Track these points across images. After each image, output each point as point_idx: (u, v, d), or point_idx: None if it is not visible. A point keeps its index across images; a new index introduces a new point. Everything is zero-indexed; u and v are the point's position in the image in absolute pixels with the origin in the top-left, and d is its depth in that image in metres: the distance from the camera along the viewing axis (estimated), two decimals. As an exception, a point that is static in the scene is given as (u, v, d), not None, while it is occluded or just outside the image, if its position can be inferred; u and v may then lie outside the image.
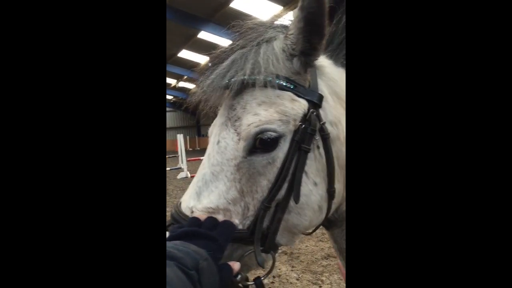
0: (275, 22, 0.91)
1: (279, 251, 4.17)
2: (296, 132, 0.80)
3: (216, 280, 0.68)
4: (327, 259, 4.32)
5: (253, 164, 0.79)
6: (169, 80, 28.27)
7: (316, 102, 0.83)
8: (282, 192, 0.79)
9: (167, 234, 0.76)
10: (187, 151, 13.41)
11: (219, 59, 0.87)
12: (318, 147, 0.83)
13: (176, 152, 15.24)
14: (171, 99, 31.96)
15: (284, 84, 0.82)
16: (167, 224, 0.81)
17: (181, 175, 11.67)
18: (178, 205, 0.83)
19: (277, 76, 0.81)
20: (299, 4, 0.78)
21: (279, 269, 4.16)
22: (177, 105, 33.08)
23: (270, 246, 0.80)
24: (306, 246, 4.77)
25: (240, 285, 0.79)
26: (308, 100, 0.83)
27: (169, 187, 9.56)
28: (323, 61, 0.91)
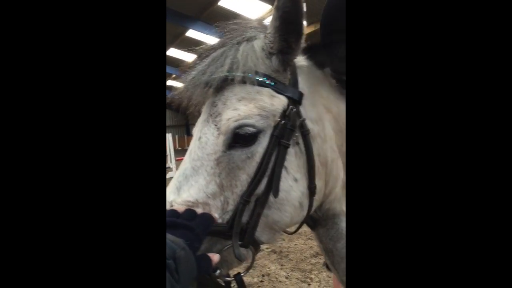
0: (257, 22, 0.92)
1: (268, 249, 4.20)
2: (275, 127, 0.81)
3: (194, 269, 0.68)
4: (316, 257, 4.35)
5: (233, 158, 0.80)
6: (157, 79, 27.79)
7: (295, 99, 0.84)
8: (262, 186, 0.80)
9: None
10: (176, 150, 13.33)
11: (201, 57, 0.89)
12: (298, 143, 0.84)
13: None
14: (159, 98, 31.45)
15: (264, 80, 0.83)
16: None
17: (170, 174, 11.61)
18: None
19: (256, 73, 0.83)
20: (275, 3, 0.80)
21: (268, 268, 4.17)
22: (165, 104, 32.74)
23: (249, 241, 0.81)
24: (295, 244, 4.79)
25: (219, 280, 0.80)
26: (288, 97, 0.84)
27: (158, 187, 9.42)
28: (303, 61, 0.93)
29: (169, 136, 12.41)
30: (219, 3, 14.49)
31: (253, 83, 0.83)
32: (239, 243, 0.80)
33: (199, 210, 0.78)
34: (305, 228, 1.03)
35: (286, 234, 0.98)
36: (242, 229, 0.80)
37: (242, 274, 0.84)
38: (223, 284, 0.81)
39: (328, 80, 0.95)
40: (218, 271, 0.79)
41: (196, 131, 0.89)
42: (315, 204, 0.87)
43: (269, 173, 0.80)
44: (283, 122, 0.81)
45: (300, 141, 0.84)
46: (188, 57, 20.57)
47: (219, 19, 0.94)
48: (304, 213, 0.87)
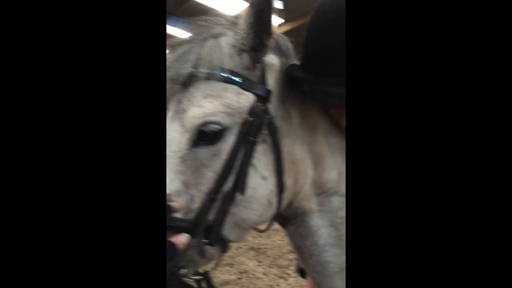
0: (225, 19, 0.92)
1: (246, 247, 4.20)
2: (242, 125, 0.81)
3: None
4: (293, 252, 4.40)
5: (198, 156, 0.79)
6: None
7: (263, 96, 0.84)
8: (228, 184, 0.79)
9: None
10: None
11: (171, 53, 0.88)
12: (266, 141, 0.83)
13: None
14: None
15: (230, 77, 0.82)
16: None
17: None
18: None
19: (222, 69, 0.82)
20: (251, 0, 0.80)
21: (246, 265, 4.19)
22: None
23: (215, 239, 0.80)
24: (273, 241, 4.83)
25: (186, 279, 0.79)
26: (255, 94, 0.83)
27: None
28: (274, 59, 0.92)
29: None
30: (195, -1, 14.30)
31: (219, 80, 0.81)
32: (206, 241, 0.78)
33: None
34: (282, 224, 1.03)
35: (264, 231, 0.98)
36: (208, 227, 0.79)
37: (208, 272, 0.82)
38: (190, 283, 0.79)
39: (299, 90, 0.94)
40: (184, 270, 0.78)
41: None
42: (284, 202, 0.87)
43: (236, 171, 0.79)
44: (250, 119, 0.81)
45: (268, 138, 0.83)
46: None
47: (195, 15, 0.92)
48: (273, 211, 0.86)
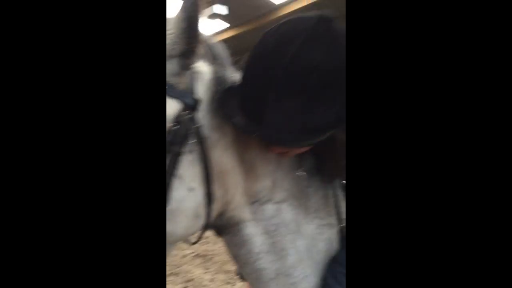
0: None
1: (193, 254, 4.10)
2: (167, 134, 0.76)
3: None
4: (240, 257, 4.40)
5: None
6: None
7: (190, 104, 0.79)
8: None
9: None
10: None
11: None
12: (193, 151, 0.79)
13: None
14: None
15: None
16: None
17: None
18: None
19: None
20: (182, 4, 0.76)
21: (192, 273, 4.09)
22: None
23: None
24: (220, 247, 4.78)
25: None
26: (182, 102, 0.79)
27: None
28: (205, 67, 0.89)
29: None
30: None
31: None
32: None
33: None
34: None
35: (211, 237, 0.96)
36: None
37: None
38: None
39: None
40: None
41: None
42: (214, 212, 0.85)
43: None
44: (175, 128, 0.76)
45: (196, 148, 0.79)
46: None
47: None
48: (202, 222, 0.84)
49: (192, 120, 0.79)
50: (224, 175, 0.84)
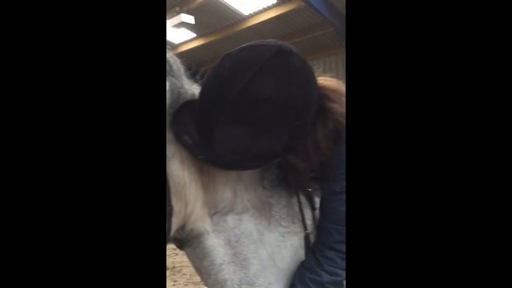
0: None
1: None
2: None
3: None
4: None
5: None
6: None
7: None
8: None
9: None
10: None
11: None
12: None
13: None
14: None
15: None
16: None
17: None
18: None
19: None
20: None
21: (160, 286, 3.97)
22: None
23: None
24: (189, 257, 4.68)
25: None
26: None
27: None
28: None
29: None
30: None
31: None
32: None
33: None
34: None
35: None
36: None
37: None
38: None
39: None
40: None
41: None
42: (174, 226, 0.85)
43: None
44: None
45: None
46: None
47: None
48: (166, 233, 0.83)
49: None
50: (182, 188, 0.83)
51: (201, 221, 0.90)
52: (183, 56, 0.95)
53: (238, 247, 0.92)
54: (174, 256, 4.87)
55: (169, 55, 0.89)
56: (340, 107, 0.81)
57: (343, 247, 0.89)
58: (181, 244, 0.96)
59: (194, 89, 0.87)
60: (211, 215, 0.91)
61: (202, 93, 0.78)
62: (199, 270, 0.97)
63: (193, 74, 0.94)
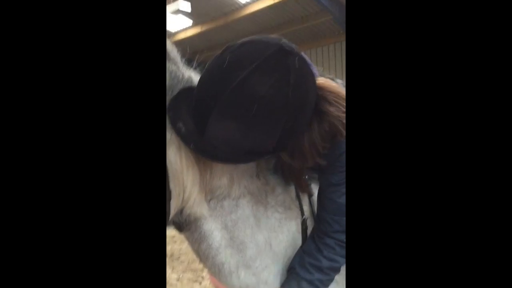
0: None
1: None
2: None
3: None
4: (207, 255, 4.38)
5: None
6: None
7: None
8: None
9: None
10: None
11: None
12: None
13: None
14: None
15: None
16: None
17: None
18: None
19: None
20: None
21: (159, 273, 4.03)
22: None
23: None
24: (187, 246, 4.73)
25: None
26: None
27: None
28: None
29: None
30: None
31: None
32: None
33: None
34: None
35: (178, 236, 0.97)
36: None
37: None
38: None
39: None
40: None
41: None
42: (173, 210, 0.87)
43: None
44: None
45: None
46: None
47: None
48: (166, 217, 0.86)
49: None
50: (179, 174, 0.85)
51: (198, 206, 0.91)
52: (180, 44, 0.96)
53: (235, 232, 0.95)
54: (173, 244, 4.93)
55: (167, 42, 0.90)
56: (337, 110, 0.80)
57: (341, 236, 0.91)
58: (180, 228, 0.98)
59: (192, 76, 0.88)
60: (208, 200, 0.93)
61: (200, 82, 0.79)
62: (197, 252, 1.00)
63: (188, 61, 0.93)
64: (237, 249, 0.96)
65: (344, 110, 0.79)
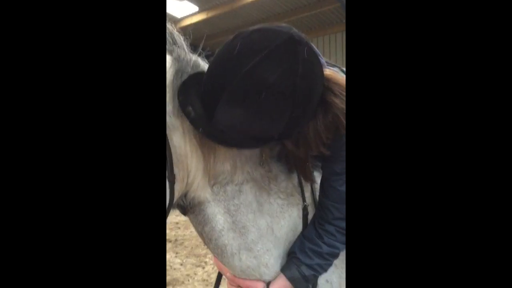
0: None
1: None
2: None
3: None
4: (210, 241, 4.45)
5: None
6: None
7: None
8: None
9: None
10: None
11: None
12: None
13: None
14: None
15: None
16: None
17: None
18: None
19: None
20: None
21: (163, 257, 4.11)
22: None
23: None
24: (191, 232, 4.80)
25: None
26: None
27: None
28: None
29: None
30: None
31: None
32: None
33: None
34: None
35: (182, 222, 0.99)
36: None
37: None
38: None
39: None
40: None
41: None
42: (177, 193, 0.89)
43: None
44: None
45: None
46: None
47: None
48: (166, 202, 0.88)
49: None
50: (184, 158, 0.87)
51: (202, 190, 0.94)
52: (185, 30, 0.96)
53: (237, 216, 0.97)
54: (176, 230, 5.00)
55: (172, 29, 0.90)
56: (341, 102, 0.81)
57: (341, 223, 0.94)
58: (184, 211, 1.01)
59: (199, 61, 0.89)
60: (212, 185, 0.95)
61: (210, 68, 0.80)
62: (201, 234, 1.03)
63: (194, 47, 0.94)
64: (239, 233, 0.98)
65: None
